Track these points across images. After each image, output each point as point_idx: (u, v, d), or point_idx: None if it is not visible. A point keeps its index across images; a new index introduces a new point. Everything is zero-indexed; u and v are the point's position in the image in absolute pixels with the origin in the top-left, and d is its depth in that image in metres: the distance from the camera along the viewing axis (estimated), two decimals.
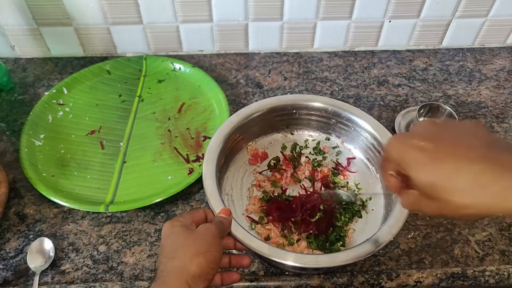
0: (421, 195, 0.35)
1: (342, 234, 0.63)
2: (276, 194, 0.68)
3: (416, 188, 0.35)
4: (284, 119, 0.74)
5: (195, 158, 0.75)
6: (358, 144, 0.73)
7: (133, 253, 0.64)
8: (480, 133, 0.35)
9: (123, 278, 0.61)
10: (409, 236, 0.66)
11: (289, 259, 0.53)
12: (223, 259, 0.52)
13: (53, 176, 0.72)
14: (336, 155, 0.74)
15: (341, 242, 0.62)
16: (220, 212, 0.54)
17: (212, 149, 0.65)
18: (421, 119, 0.77)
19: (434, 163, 0.33)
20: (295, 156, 0.73)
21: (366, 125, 0.69)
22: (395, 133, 0.37)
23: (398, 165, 0.36)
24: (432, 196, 0.34)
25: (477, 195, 0.31)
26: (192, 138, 0.78)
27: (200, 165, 0.73)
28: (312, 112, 0.73)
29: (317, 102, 0.72)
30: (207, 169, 0.62)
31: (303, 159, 0.73)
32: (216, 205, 0.57)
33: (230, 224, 0.53)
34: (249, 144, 0.75)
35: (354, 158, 0.73)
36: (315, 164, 0.72)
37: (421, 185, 0.34)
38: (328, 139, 0.76)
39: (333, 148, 0.75)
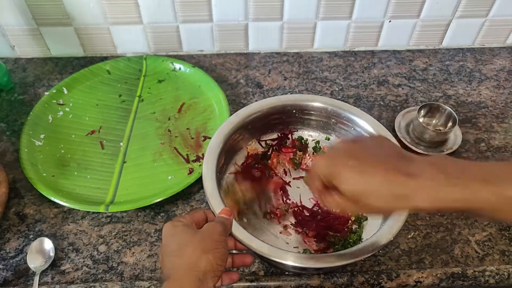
0: (345, 199, 0.43)
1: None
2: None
3: (342, 195, 0.43)
4: (284, 119, 0.74)
5: (195, 158, 0.75)
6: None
7: (133, 253, 0.64)
8: (389, 147, 0.45)
9: (123, 278, 0.61)
10: (409, 236, 0.66)
11: (289, 259, 0.53)
12: (231, 275, 0.53)
13: (53, 176, 0.72)
14: None
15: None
16: (220, 213, 0.54)
17: (212, 149, 0.65)
18: (421, 119, 0.77)
19: (360, 177, 0.42)
20: (302, 143, 0.74)
21: (366, 125, 0.69)
22: (322, 156, 0.50)
23: (326, 179, 0.45)
24: (354, 200, 0.42)
25: (388, 199, 0.41)
26: (192, 138, 0.78)
27: (200, 165, 0.73)
28: (312, 112, 0.73)
29: (317, 102, 0.72)
30: (207, 169, 0.62)
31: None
32: (216, 205, 0.57)
33: (231, 224, 0.54)
34: (249, 144, 0.75)
35: None
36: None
37: (348, 194, 0.43)
38: (328, 139, 0.76)
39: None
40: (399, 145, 0.47)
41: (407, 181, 0.40)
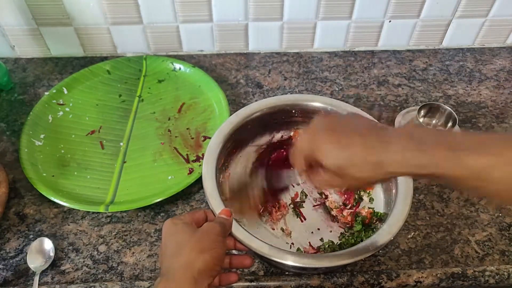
0: (331, 174, 0.46)
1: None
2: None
3: (326, 170, 0.46)
4: (283, 119, 0.74)
5: (195, 158, 0.75)
6: None
7: (133, 253, 0.64)
8: (364, 119, 0.49)
9: (123, 278, 0.61)
10: (409, 236, 0.66)
11: (290, 259, 0.53)
12: (229, 276, 0.53)
13: (53, 176, 0.72)
14: None
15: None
16: (220, 213, 0.54)
17: (211, 149, 0.65)
18: (421, 119, 0.77)
19: (341, 151, 0.44)
20: None
21: None
22: (302, 134, 0.53)
23: (309, 156, 0.47)
24: (339, 174, 0.45)
25: (367, 168, 0.43)
26: (192, 138, 0.78)
27: (200, 165, 0.73)
28: (312, 112, 0.73)
29: (317, 102, 0.72)
30: (207, 169, 0.62)
31: None
32: (216, 205, 0.57)
33: (231, 225, 0.54)
34: (249, 144, 0.75)
35: None
36: None
37: (331, 168, 0.45)
38: None
39: None
40: (374, 119, 0.49)
41: (381, 148, 0.42)
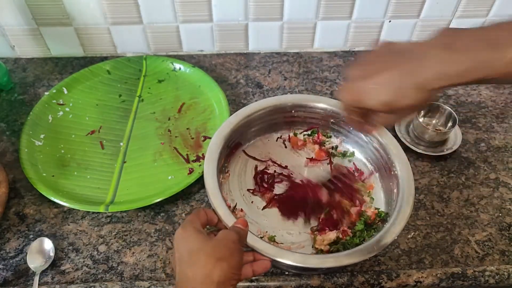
0: (383, 114, 0.50)
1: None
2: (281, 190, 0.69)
3: (377, 112, 0.50)
4: (283, 119, 0.74)
5: (195, 158, 0.75)
6: (357, 143, 0.73)
7: (133, 253, 0.64)
8: (396, 48, 0.48)
9: (123, 278, 0.61)
10: (409, 236, 0.66)
11: (293, 260, 0.53)
12: (244, 269, 0.51)
13: (53, 176, 0.72)
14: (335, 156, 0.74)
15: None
16: (236, 223, 0.53)
17: (212, 150, 0.65)
18: (421, 119, 0.77)
19: (380, 89, 0.46)
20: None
21: None
22: (343, 85, 0.54)
23: (356, 106, 0.50)
24: (390, 110, 0.48)
25: (412, 93, 0.45)
26: (192, 138, 0.78)
27: (200, 165, 0.73)
28: (312, 112, 0.73)
29: (317, 102, 0.72)
30: (208, 170, 0.62)
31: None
32: (218, 205, 0.57)
33: (247, 234, 0.53)
34: (249, 143, 0.75)
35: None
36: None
37: (380, 108, 0.47)
38: (330, 136, 0.76)
39: (332, 148, 0.75)
40: (398, 42, 0.50)
41: (417, 68, 0.44)
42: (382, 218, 0.64)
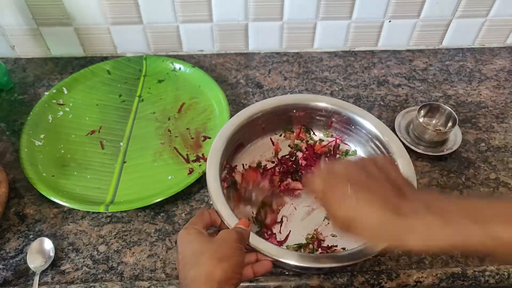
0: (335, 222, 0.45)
1: None
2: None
3: (332, 220, 0.46)
4: (284, 119, 0.74)
5: (195, 158, 0.75)
6: (359, 143, 0.73)
7: (133, 253, 0.64)
8: (392, 176, 0.44)
9: (123, 278, 0.61)
10: None
11: (294, 260, 0.53)
12: (245, 269, 0.52)
13: (53, 176, 0.72)
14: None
15: None
16: (238, 224, 0.54)
17: (214, 152, 0.65)
18: (421, 119, 0.77)
19: (353, 211, 0.42)
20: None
21: (367, 124, 0.69)
22: (318, 170, 0.49)
23: (319, 200, 0.46)
24: (345, 229, 0.43)
25: (381, 236, 0.42)
26: (192, 138, 0.78)
27: (200, 165, 0.73)
28: (313, 112, 0.73)
29: (318, 102, 0.72)
30: (210, 171, 0.62)
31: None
32: (222, 208, 0.57)
33: (249, 234, 0.53)
34: (251, 143, 0.74)
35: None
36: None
37: (337, 221, 0.44)
38: (331, 135, 0.76)
39: (333, 148, 0.75)
40: (400, 172, 0.46)
41: (400, 221, 0.40)
42: None
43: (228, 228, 0.55)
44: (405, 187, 0.44)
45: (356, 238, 0.46)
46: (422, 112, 0.79)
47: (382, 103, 0.87)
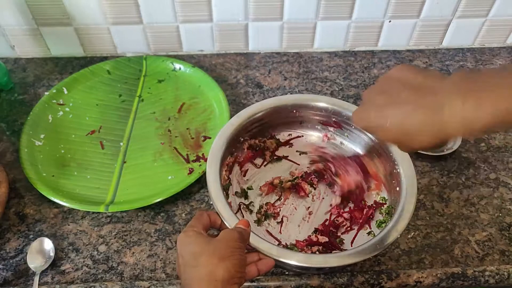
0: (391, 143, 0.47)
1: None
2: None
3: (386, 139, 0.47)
4: (285, 119, 0.74)
5: (195, 158, 0.75)
6: (359, 143, 0.73)
7: (133, 253, 0.64)
8: (411, 79, 0.44)
9: (123, 278, 0.61)
10: (409, 236, 0.66)
11: (296, 260, 0.53)
12: (249, 268, 0.52)
13: (53, 176, 0.72)
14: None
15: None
16: (239, 223, 0.54)
17: (214, 151, 0.64)
18: None
19: (386, 129, 0.43)
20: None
21: None
22: (357, 109, 0.49)
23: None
24: (397, 144, 0.45)
25: (427, 132, 0.41)
26: (192, 138, 0.78)
27: (200, 165, 0.73)
28: (313, 112, 0.73)
29: (318, 102, 0.72)
30: (211, 171, 0.62)
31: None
32: (222, 208, 0.57)
33: (249, 234, 0.53)
34: (250, 141, 0.74)
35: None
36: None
37: (389, 141, 0.47)
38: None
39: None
40: (419, 71, 0.45)
41: (437, 110, 0.40)
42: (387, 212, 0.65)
43: (229, 228, 0.55)
44: (433, 81, 0.43)
45: (409, 148, 0.46)
46: None
47: None
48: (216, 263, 0.45)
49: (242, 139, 0.71)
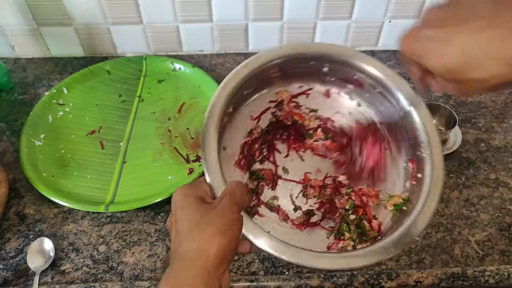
0: (444, 81, 0.36)
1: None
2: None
3: (437, 76, 0.37)
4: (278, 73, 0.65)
5: (195, 158, 0.75)
6: (379, 109, 0.60)
7: (133, 253, 0.64)
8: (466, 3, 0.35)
9: (123, 278, 0.61)
10: None
11: (303, 260, 0.46)
12: (243, 245, 0.45)
13: (53, 176, 0.72)
14: None
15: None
16: (231, 186, 0.45)
17: (215, 107, 0.58)
18: None
19: (445, 48, 0.34)
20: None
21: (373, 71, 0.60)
22: (407, 31, 0.42)
23: (414, 60, 0.38)
24: (454, 79, 0.35)
25: (492, 66, 0.32)
26: (192, 138, 0.78)
27: (200, 165, 0.73)
28: (305, 65, 0.62)
29: (317, 50, 0.60)
30: (209, 128, 0.55)
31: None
32: (214, 180, 0.47)
33: (243, 190, 0.45)
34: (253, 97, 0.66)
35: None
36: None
37: (439, 73, 0.36)
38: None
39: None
40: None
41: (509, 36, 0.32)
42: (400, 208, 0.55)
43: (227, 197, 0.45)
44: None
45: (470, 87, 0.36)
46: None
47: None
48: (210, 237, 0.39)
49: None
